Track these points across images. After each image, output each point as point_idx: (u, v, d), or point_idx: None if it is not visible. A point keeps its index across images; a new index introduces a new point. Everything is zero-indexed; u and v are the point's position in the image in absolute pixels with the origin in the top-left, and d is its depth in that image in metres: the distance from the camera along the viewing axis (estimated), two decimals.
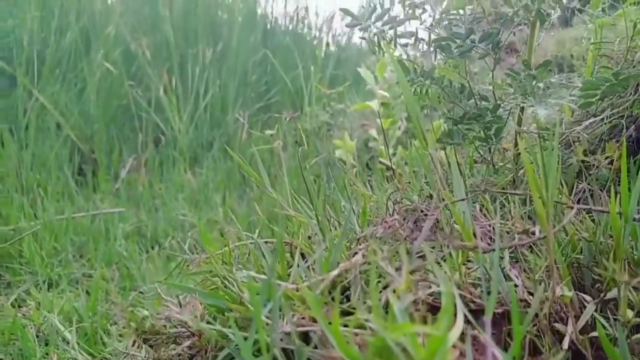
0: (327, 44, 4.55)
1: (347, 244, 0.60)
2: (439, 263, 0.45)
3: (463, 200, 0.43)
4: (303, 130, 3.81)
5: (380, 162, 2.03)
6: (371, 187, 2.05)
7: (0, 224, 1.72)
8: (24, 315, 1.21)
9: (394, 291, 0.31)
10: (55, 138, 2.47)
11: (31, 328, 1.13)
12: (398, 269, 0.35)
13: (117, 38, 2.92)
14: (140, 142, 2.73)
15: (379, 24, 0.86)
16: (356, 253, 0.43)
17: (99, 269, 1.42)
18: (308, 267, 0.46)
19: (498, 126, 0.89)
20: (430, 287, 0.38)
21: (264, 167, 2.85)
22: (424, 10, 0.98)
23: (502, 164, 1.03)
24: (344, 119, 3.73)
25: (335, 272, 0.39)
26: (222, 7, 3.61)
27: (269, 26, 4.08)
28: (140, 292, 1.26)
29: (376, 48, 0.86)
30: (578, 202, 0.78)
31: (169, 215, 1.95)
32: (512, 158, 1.00)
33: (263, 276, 0.40)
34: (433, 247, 0.43)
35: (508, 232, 0.54)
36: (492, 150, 0.96)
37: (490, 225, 0.65)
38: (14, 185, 1.99)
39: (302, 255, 0.62)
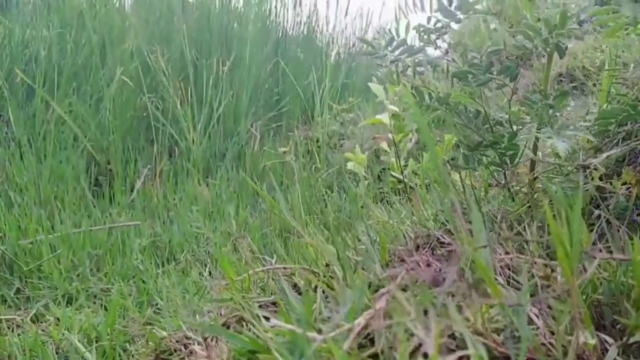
0: (338, 53, 4.58)
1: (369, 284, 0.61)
2: (460, 307, 0.46)
3: (485, 247, 0.43)
4: (314, 140, 3.84)
5: (392, 176, 2.03)
6: (382, 200, 2.06)
7: (19, 237, 1.75)
8: (43, 331, 1.24)
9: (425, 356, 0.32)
10: (72, 149, 2.52)
11: (51, 345, 1.16)
12: (425, 325, 0.36)
13: (133, 51, 2.97)
14: (155, 153, 2.77)
15: (396, 52, 0.87)
16: (380, 296, 0.44)
17: (117, 284, 1.45)
18: (331, 308, 0.48)
19: (514, 152, 0.90)
20: (457, 348, 0.39)
21: (275, 178, 2.85)
22: (439, 36, 0.99)
23: (517, 187, 1.03)
24: (354, 129, 3.74)
25: (361, 323, 0.40)
26: (235, 17, 3.65)
27: (280, 34, 4.11)
28: (158, 309, 1.28)
29: (394, 77, 0.87)
30: (592, 231, 0.78)
31: (184, 228, 1.97)
32: (527, 182, 1.00)
33: (289, 326, 0.40)
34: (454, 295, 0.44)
35: (528, 271, 0.55)
36: (507, 176, 0.96)
37: (510, 258, 0.66)
38: (33, 198, 2.03)
39: (322, 288, 0.64)
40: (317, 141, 3.82)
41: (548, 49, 0.76)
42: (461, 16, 0.85)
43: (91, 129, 2.72)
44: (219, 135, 3.16)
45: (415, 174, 2.17)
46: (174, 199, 2.37)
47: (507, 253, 0.67)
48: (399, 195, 2.07)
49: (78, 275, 1.58)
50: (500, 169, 0.93)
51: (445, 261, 0.66)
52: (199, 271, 1.54)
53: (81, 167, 2.36)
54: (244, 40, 3.49)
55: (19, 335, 1.20)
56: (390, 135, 2.09)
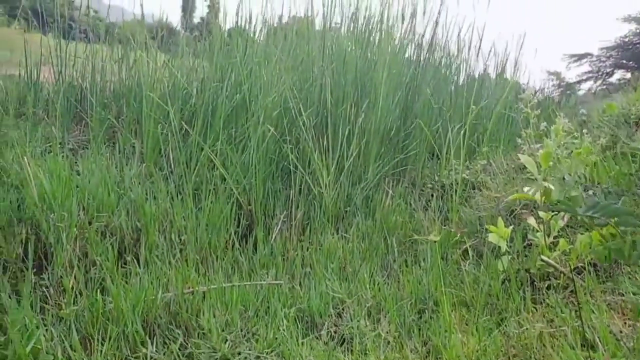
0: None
1: None
2: None
3: None
4: (441, 187, 3.74)
5: (542, 260, 1.89)
6: (530, 284, 1.91)
7: (178, 286, 1.95)
8: None
9: None
10: (222, 192, 2.76)
11: None
12: None
13: (275, 99, 3.18)
14: (291, 198, 2.93)
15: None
16: None
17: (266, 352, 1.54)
18: None
19: None
20: None
21: (406, 232, 2.80)
22: None
23: None
24: (485, 178, 3.57)
25: None
26: (371, 62, 3.72)
27: (412, 76, 4.09)
28: None
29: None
30: None
31: (321, 288, 2.04)
32: None
33: None
34: None
35: None
36: None
37: None
38: (192, 243, 2.26)
39: None
40: (443, 186, 3.72)
41: None
42: None
43: (236, 171, 2.96)
44: (349, 181, 3.23)
45: (566, 254, 2.00)
46: (308, 249, 2.48)
47: None
48: (547, 280, 1.92)
49: (231, 333, 1.72)
50: None
51: None
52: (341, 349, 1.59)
53: (228, 211, 2.57)
54: (377, 86, 3.54)
55: None
56: (541, 214, 1.96)
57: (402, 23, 4.22)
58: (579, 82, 12.01)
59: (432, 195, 3.68)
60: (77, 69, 3.83)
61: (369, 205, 3.21)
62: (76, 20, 5.06)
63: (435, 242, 2.05)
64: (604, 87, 11.88)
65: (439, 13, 4.40)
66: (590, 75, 11.97)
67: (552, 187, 1.92)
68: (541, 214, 1.94)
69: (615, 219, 0.93)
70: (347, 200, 3.17)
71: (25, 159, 2.37)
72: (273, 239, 2.54)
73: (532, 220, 2.03)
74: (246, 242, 2.54)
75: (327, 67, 3.43)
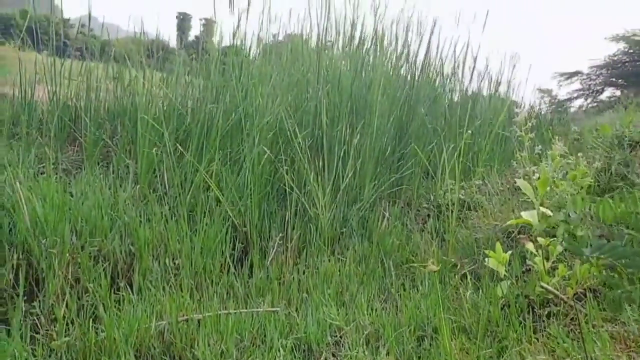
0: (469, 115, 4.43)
1: None
2: None
3: None
4: (436, 206, 3.73)
5: (542, 287, 1.87)
6: (528, 311, 1.89)
7: (173, 314, 1.91)
8: None
9: None
10: (217, 215, 2.73)
11: None
12: None
13: (270, 120, 3.18)
14: (286, 220, 2.90)
15: None
16: None
17: None
18: None
19: None
20: None
21: (402, 255, 2.77)
22: None
23: None
24: (481, 199, 3.57)
25: None
26: (366, 82, 3.74)
27: (407, 97, 4.11)
28: None
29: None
30: None
31: (318, 315, 2.01)
32: None
33: None
34: None
35: None
36: None
37: None
38: (187, 269, 2.23)
39: None
40: (438, 206, 3.71)
41: None
42: None
43: (232, 193, 2.94)
44: (344, 202, 3.22)
45: (565, 280, 1.99)
46: (305, 273, 2.45)
47: None
48: (547, 307, 1.90)
49: None
50: None
51: None
52: None
53: (223, 234, 2.53)
54: (372, 106, 3.56)
55: None
56: (540, 240, 1.95)
57: (396, 43, 4.27)
58: (570, 99, 12.19)
59: (428, 216, 3.67)
60: (71, 88, 3.81)
61: (365, 226, 3.19)
62: (71, 38, 5.06)
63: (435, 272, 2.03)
64: (595, 104, 12.06)
65: (432, 32, 4.45)
66: (581, 92, 12.16)
67: (549, 212, 1.91)
68: (539, 239, 1.93)
69: (624, 260, 0.92)
70: (343, 221, 3.15)
71: (17, 183, 2.34)
72: (269, 262, 2.51)
73: (530, 245, 2.01)
74: (242, 266, 2.50)
75: (322, 88, 3.44)
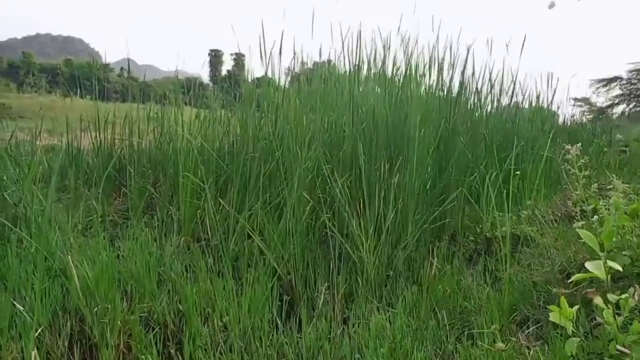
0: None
1: None
2: None
3: None
4: (484, 240, 3.58)
5: (617, 350, 1.73)
6: None
7: None
8: None
9: None
10: (261, 267, 2.70)
11: None
12: None
13: (310, 166, 3.15)
14: (331, 268, 2.84)
15: None
16: None
17: None
18: None
19: None
20: None
21: (455, 303, 2.64)
22: None
23: None
24: (533, 232, 3.40)
25: None
26: (402, 116, 3.67)
27: (445, 125, 4.01)
28: None
29: None
30: None
31: None
32: None
33: None
34: None
35: None
36: None
37: None
38: (235, 331, 2.20)
39: None
40: (487, 239, 3.57)
41: None
42: None
43: (274, 241, 2.91)
44: (389, 242, 3.13)
45: None
46: (354, 327, 2.38)
47: None
48: None
49: None
50: None
51: None
52: None
53: (269, 290, 2.50)
54: (409, 142, 3.48)
55: None
56: (610, 296, 1.82)
57: (430, 73, 4.19)
58: (611, 106, 11.73)
59: (476, 251, 3.53)
60: (114, 132, 3.94)
61: (411, 267, 3.09)
62: (111, 82, 5.24)
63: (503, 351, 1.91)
64: (638, 108, 11.55)
65: (466, 60, 4.35)
66: (622, 98, 11.69)
67: (619, 267, 1.78)
68: (609, 296, 1.79)
69: None
70: (388, 263, 3.06)
71: (68, 245, 2.39)
72: (316, 318, 2.45)
73: (599, 300, 1.88)
74: (289, 320, 2.46)
75: (358, 128, 3.39)
